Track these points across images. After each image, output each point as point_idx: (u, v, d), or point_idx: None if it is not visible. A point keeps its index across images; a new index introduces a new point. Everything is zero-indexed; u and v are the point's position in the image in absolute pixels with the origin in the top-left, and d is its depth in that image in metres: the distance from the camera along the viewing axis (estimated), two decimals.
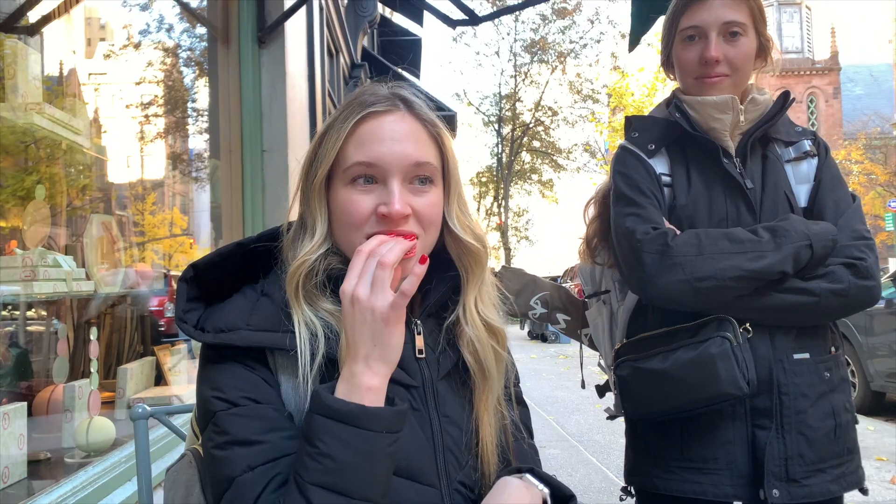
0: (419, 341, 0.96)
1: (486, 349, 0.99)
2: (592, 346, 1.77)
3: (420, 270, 0.82)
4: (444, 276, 0.99)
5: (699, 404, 1.31)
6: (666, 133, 1.47)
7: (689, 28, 1.41)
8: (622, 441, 1.56)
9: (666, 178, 1.44)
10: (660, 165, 1.46)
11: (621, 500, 1.51)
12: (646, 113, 1.61)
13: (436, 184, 0.95)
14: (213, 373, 0.88)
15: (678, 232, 1.37)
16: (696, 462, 1.35)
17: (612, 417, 1.58)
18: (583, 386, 1.88)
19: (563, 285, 1.96)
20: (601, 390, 1.64)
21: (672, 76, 1.53)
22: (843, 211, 1.39)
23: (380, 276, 0.81)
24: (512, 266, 2.00)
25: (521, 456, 1.06)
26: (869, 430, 5.16)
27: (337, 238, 0.94)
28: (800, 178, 1.44)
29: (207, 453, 0.86)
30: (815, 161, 1.45)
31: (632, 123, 1.53)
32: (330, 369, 0.87)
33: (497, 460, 1.00)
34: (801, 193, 1.43)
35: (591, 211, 1.64)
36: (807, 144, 1.46)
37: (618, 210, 1.43)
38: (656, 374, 1.34)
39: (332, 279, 0.92)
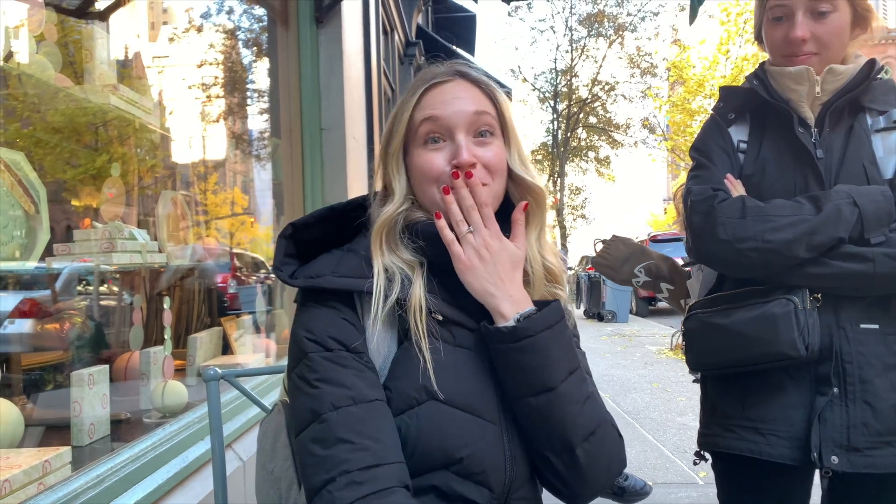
0: None
1: (541, 285, 1.07)
2: None
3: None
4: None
5: (756, 360, 1.33)
6: (746, 101, 1.50)
7: (776, 7, 1.43)
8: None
9: (742, 146, 1.48)
10: (740, 133, 1.49)
11: (695, 463, 1.54)
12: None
13: (496, 136, 1.06)
14: (306, 316, 0.99)
15: (734, 195, 1.37)
16: (755, 421, 1.36)
17: (697, 380, 1.60)
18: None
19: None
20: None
21: (763, 50, 1.54)
22: None
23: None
24: (621, 235, 2.14)
25: None
26: None
27: (419, 196, 1.06)
28: (889, 149, 1.38)
29: (296, 388, 0.94)
30: None
31: (720, 93, 1.57)
32: (402, 314, 0.97)
33: None
34: (890, 164, 1.37)
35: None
36: None
37: (688, 174, 1.50)
38: (719, 327, 1.38)
39: (414, 232, 1.03)
